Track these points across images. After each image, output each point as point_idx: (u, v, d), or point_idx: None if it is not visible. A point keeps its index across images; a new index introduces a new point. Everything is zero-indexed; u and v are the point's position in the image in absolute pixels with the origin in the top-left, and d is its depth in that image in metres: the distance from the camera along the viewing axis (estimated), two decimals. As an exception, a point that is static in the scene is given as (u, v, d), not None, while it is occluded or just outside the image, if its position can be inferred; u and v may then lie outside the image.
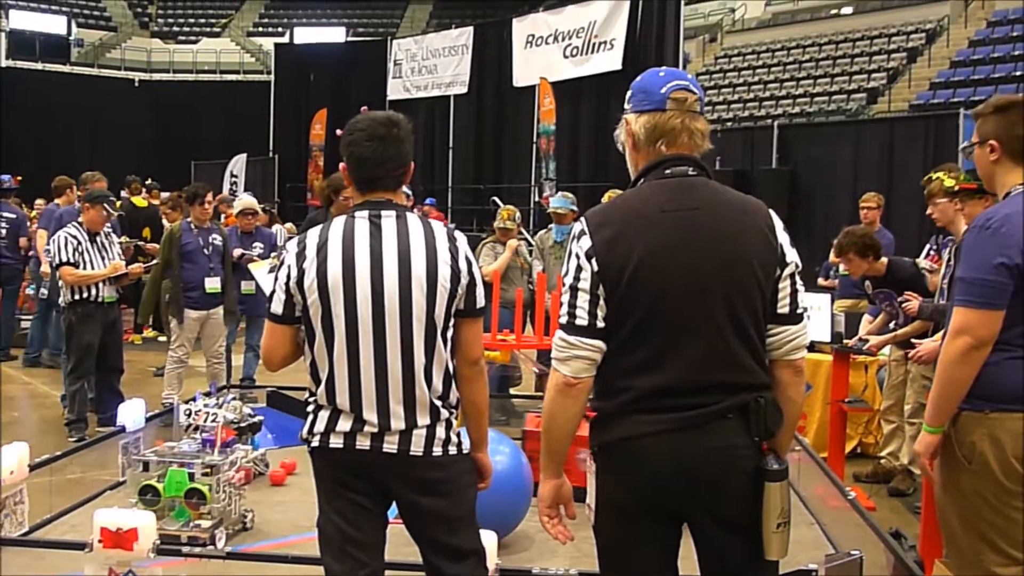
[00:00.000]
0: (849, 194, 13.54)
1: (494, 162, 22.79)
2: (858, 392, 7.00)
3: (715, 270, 2.62)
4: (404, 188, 8.39)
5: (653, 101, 2.76)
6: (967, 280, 3.20)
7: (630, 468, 2.67)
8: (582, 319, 2.65)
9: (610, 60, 19.36)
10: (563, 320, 2.69)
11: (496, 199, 16.00)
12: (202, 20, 39.68)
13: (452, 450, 3.14)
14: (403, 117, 3.26)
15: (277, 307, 3.15)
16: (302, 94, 26.23)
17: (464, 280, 3.12)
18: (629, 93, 2.83)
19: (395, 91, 24.61)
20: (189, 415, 6.39)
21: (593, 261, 2.65)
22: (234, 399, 6.63)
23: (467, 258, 3.15)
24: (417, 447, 3.08)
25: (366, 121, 3.19)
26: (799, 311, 2.72)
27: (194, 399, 6.59)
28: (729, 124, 23.53)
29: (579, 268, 2.67)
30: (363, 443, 3.07)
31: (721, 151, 16.85)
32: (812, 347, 7.35)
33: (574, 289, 2.67)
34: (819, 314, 7.13)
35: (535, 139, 20.44)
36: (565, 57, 20.48)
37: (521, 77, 21.43)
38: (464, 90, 23.16)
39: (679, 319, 2.62)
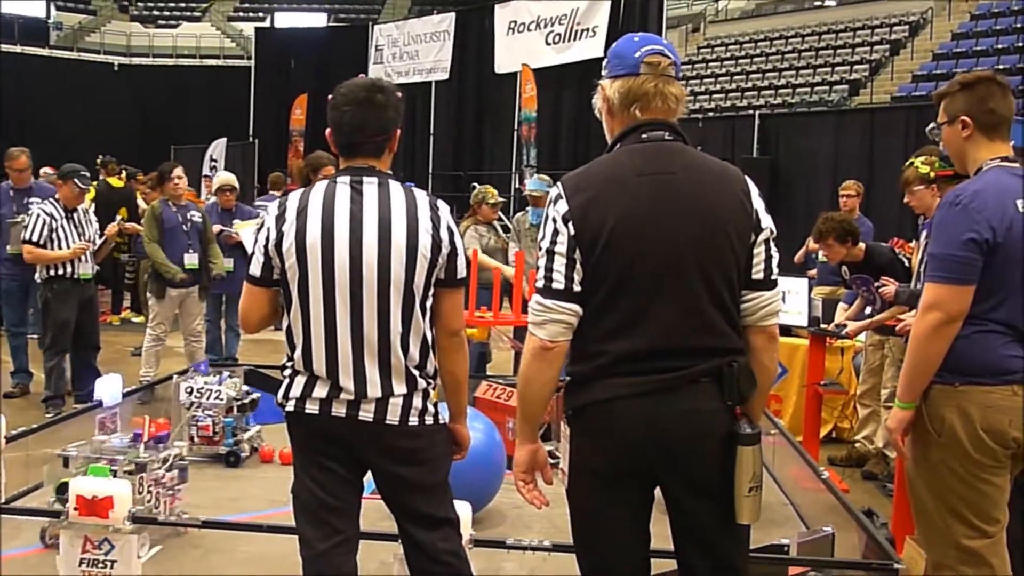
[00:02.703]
0: (829, 183, 13.63)
1: (475, 149, 22.79)
2: (833, 376, 7.05)
3: (690, 234, 2.64)
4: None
5: (627, 65, 2.78)
6: (937, 256, 3.23)
7: (603, 431, 2.68)
8: (558, 283, 2.66)
9: (592, 47, 19.35)
10: (540, 284, 2.70)
11: (476, 185, 16.01)
12: (182, 4, 39.42)
13: (428, 420, 3.15)
14: (390, 84, 3.25)
15: (255, 269, 3.15)
16: (282, 79, 26.12)
17: (445, 250, 3.12)
18: (605, 60, 2.85)
19: (376, 77, 24.48)
20: (191, 392, 6.37)
21: (569, 225, 2.66)
22: (230, 377, 6.63)
23: (449, 228, 3.15)
24: (393, 416, 3.08)
25: (349, 86, 3.19)
26: (773, 277, 2.75)
27: (185, 374, 6.59)
28: (711, 114, 23.55)
29: (556, 232, 2.68)
30: (339, 411, 3.08)
31: (703, 141, 16.93)
32: (789, 332, 7.40)
33: (551, 253, 2.68)
34: (796, 299, 7.15)
35: (516, 126, 20.43)
36: (547, 44, 20.47)
37: (503, 64, 21.42)
38: (445, 76, 23.14)
39: (653, 283, 2.63)
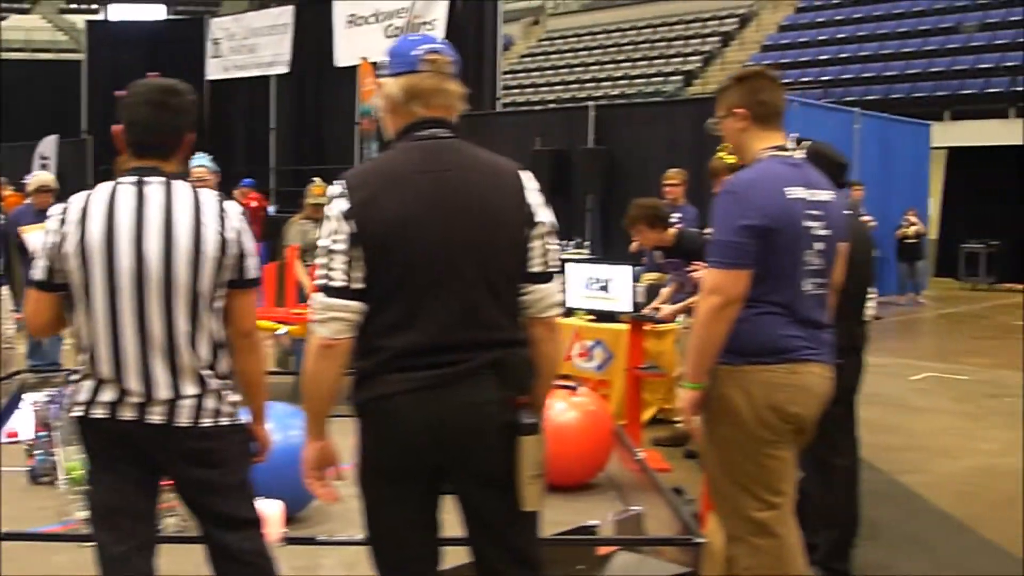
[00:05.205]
0: (662, 172, 13.94)
1: (317, 143, 22.57)
2: (655, 359, 7.25)
3: (467, 230, 2.70)
4: (209, 163, 8.19)
5: (407, 63, 2.82)
6: (715, 242, 3.38)
7: (386, 426, 2.72)
8: (339, 281, 2.69)
9: (431, 40, 19.37)
10: (320, 282, 2.72)
11: (318, 179, 15.85)
12: (10, -4, 37.85)
13: (224, 421, 3.12)
14: (187, 88, 3.22)
15: (38, 273, 3.07)
16: (116, 73, 25.30)
17: (233, 251, 3.09)
18: (386, 60, 2.89)
19: (215, 71, 24.07)
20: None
21: (350, 223, 2.68)
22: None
23: (237, 229, 3.12)
24: (184, 418, 3.04)
25: (144, 85, 3.17)
26: (551, 270, 2.82)
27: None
28: (552, 105, 23.85)
29: (335, 231, 2.70)
30: (127, 414, 3.02)
31: (543, 132, 17.17)
32: (614, 318, 7.58)
33: (331, 251, 2.70)
34: (619, 286, 7.31)
35: (357, 119, 20.31)
36: (387, 37, 20.36)
37: (343, 57, 21.25)
38: (285, 70, 22.84)
39: (432, 279, 2.68)
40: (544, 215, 2.81)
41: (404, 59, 2.85)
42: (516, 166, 2.85)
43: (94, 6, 36.90)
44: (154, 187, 3.07)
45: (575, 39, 29.27)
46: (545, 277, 2.81)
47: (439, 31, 19.20)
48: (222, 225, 3.08)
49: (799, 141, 4.77)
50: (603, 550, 4.35)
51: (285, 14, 23.03)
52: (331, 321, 2.70)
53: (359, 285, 2.69)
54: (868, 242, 4.87)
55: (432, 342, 2.68)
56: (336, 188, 2.77)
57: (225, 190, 14.32)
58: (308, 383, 2.80)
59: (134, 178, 3.09)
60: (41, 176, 9.39)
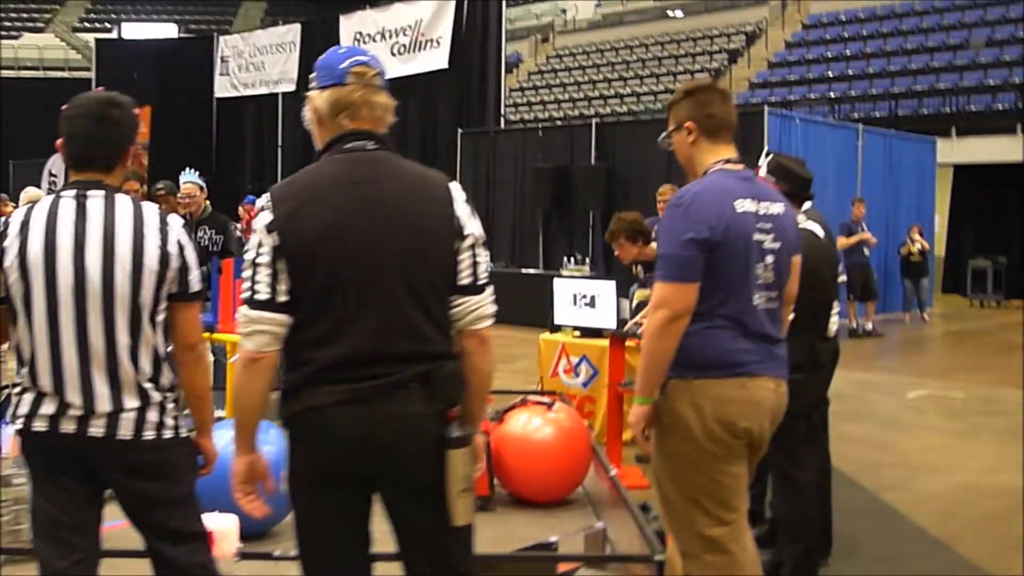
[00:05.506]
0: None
1: (324, 160, 22.68)
2: (634, 375, 7.18)
3: (393, 243, 2.69)
4: (197, 179, 8.17)
5: (334, 76, 2.83)
6: (663, 256, 3.35)
7: (315, 438, 2.71)
8: (263, 294, 2.68)
9: (437, 58, 19.55)
10: (245, 295, 2.71)
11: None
12: (24, 15, 38.19)
13: (167, 434, 3.11)
14: (128, 101, 3.23)
15: None
16: (125, 91, 25.20)
17: (175, 263, 3.09)
18: (313, 73, 2.90)
19: (222, 89, 24.20)
20: None
21: (274, 235, 2.68)
22: None
23: (179, 242, 3.12)
24: (126, 431, 3.04)
25: (84, 99, 3.18)
26: (480, 282, 2.80)
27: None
28: (559, 122, 23.90)
29: (260, 243, 2.70)
30: (68, 427, 3.02)
31: (545, 149, 17.21)
32: (600, 334, 7.54)
33: (255, 264, 2.69)
34: (604, 302, 7.29)
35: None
36: (392, 55, 20.49)
37: (349, 75, 21.36)
38: (292, 88, 22.93)
39: (358, 291, 2.68)
40: (473, 227, 2.80)
41: (331, 72, 2.85)
42: (445, 178, 2.85)
43: (108, 24, 37.20)
44: (95, 200, 3.08)
45: (584, 56, 29.34)
46: (475, 289, 2.80)
47: (444, 49, 19.33)
48: (163, 238, 3.08)
49: (767, 154, 4.77)
50: (564, 566, 4.32)
51: (292, 32, 23.20)
52: (256, 334, 2.69)
53: (284, 298, 2.69)
54: (831, 257, 4.84)
55: (359, 354, 2.67)
56: (261, 201, 2.77)
57: (232, 207, 14.41)
58: (235, 397, 2.80)
59: (74, 191, 3.09)
60: (31, 192, 9.42)
